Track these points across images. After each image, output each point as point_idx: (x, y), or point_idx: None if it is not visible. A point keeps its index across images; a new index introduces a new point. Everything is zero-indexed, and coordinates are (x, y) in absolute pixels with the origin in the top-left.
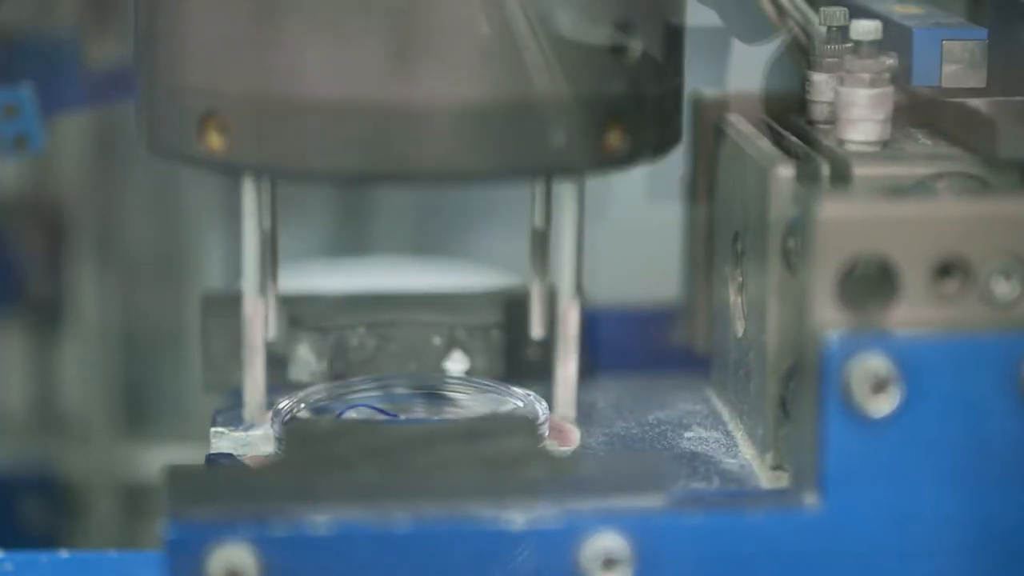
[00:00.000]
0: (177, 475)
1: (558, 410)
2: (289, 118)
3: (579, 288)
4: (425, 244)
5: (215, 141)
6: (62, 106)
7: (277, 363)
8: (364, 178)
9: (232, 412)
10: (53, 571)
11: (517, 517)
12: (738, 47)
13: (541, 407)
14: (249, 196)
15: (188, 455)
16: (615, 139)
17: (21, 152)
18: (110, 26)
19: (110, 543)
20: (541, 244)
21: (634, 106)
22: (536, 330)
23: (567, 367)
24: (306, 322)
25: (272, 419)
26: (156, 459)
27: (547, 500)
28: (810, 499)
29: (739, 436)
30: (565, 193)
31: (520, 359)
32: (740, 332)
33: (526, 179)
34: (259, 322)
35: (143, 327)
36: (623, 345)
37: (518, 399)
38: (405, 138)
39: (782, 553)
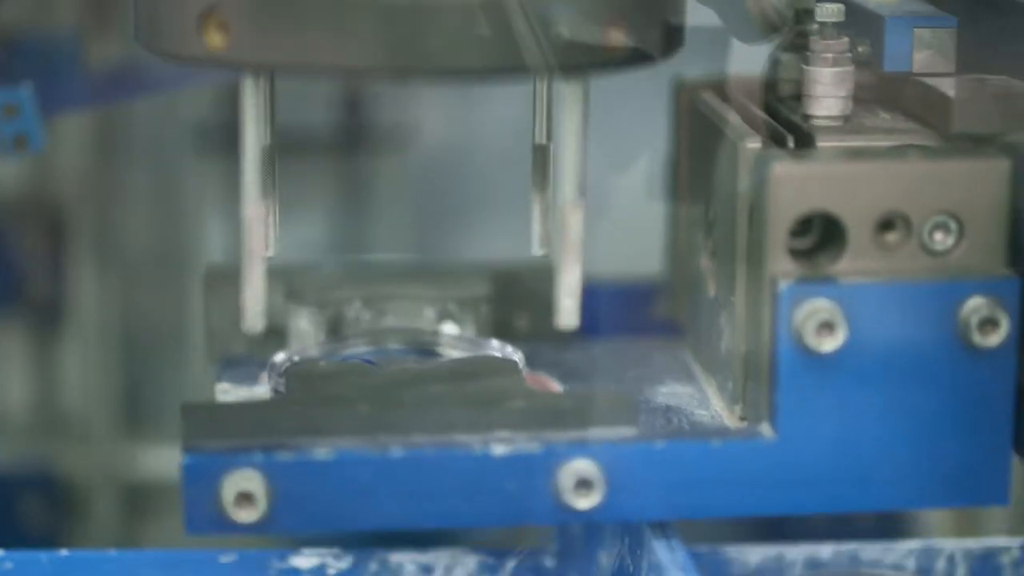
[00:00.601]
0: (191, 411)
1: (561, 319)
2: (290, 14)
3: (582, 194)
4: (424, 244)
5: (215, 39)
6: (62, 106)
7: (277, 335)
8: (365, 73)
9: (236, 370)
10: (53, 570)
11: (499, 446)
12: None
13: (518, 356)
14: (249, 99)
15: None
16: (617, 38)
17: (21, 152)
18: (110, 26)
19: (110, 542)
20: (542, 159)
21: (637, 5)
22: (536, 247)
23: (570, 274)
24: (305, 295)
25: (269, 373)
26: (156, 459)
27: (526, 431)
28: (765, 429)
29: (710, 391)
30: (568, 97)
31: (509, 330)
32: (712, 294)
33: (527, 77)
34: (259, 228)
35: (143, 327)
36: (609, 317)
37: (498, 351)
38: (409, 33)
39: (739, 478)
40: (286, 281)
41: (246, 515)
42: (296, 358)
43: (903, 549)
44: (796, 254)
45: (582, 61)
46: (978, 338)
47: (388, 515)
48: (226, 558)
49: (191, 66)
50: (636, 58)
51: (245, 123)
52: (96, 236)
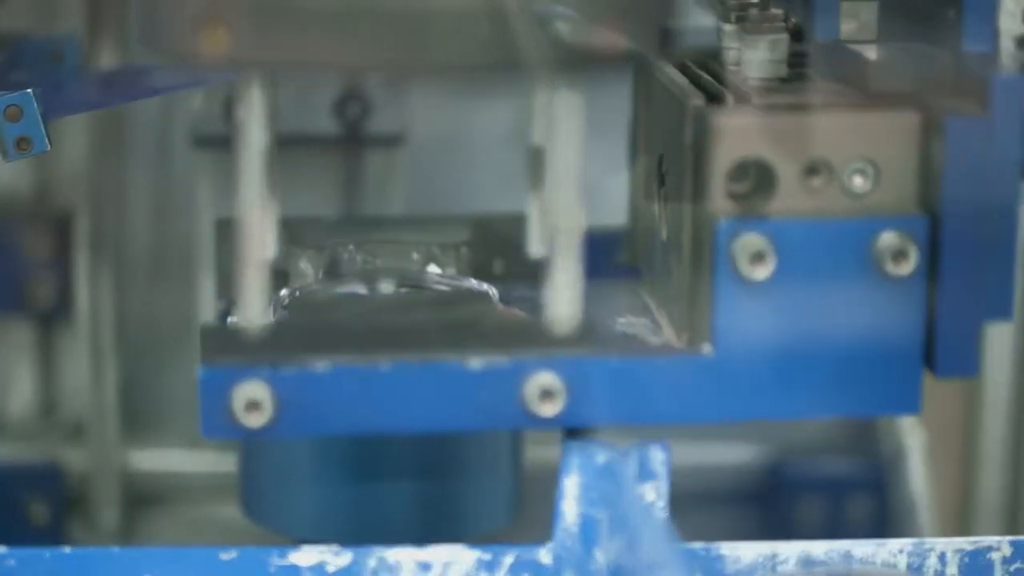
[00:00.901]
0: (208, 332)
1: (557, 317)
2: (291, 18)
3: (578, 196)
4: None
5: (216, 40)
6: (64, 109)
7: (279, 275)
8: (366, 73)
9: None
10: (56, 567)
11: (474, 361)
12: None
13: (493, 292)
14: (251, 100)
15: (194, 456)
16: (616, 40)
17: (23, 155)
18: (109, 31)
19: (111, 541)
20: (539, 160)
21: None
22: (535, 248)
23: (565, 274)
24: (304, 240)
25: (274, 306)
26: (158, 458)
27: (497, 349)
28: (705, 348)
29: (663, 322)
30: (566, 99)
31: (486, 272)
32: (664, 237)
33: (524, 77)
34: (259, 230)
35: (147, 327)
36: None
37: (475, 288)
38: (409, 33)
39: (682, 389)
40: (288, 228)
41: (254, 420)
42: (296, 293)
43: (895, 547)
44: (734, 196)
45: (582, 63)
46: (891, 268)
47: (377, 421)
48: (226, 555)
49: (193, 68)
50: (633, 58)
51: (245, 125)
52: (100, 236)
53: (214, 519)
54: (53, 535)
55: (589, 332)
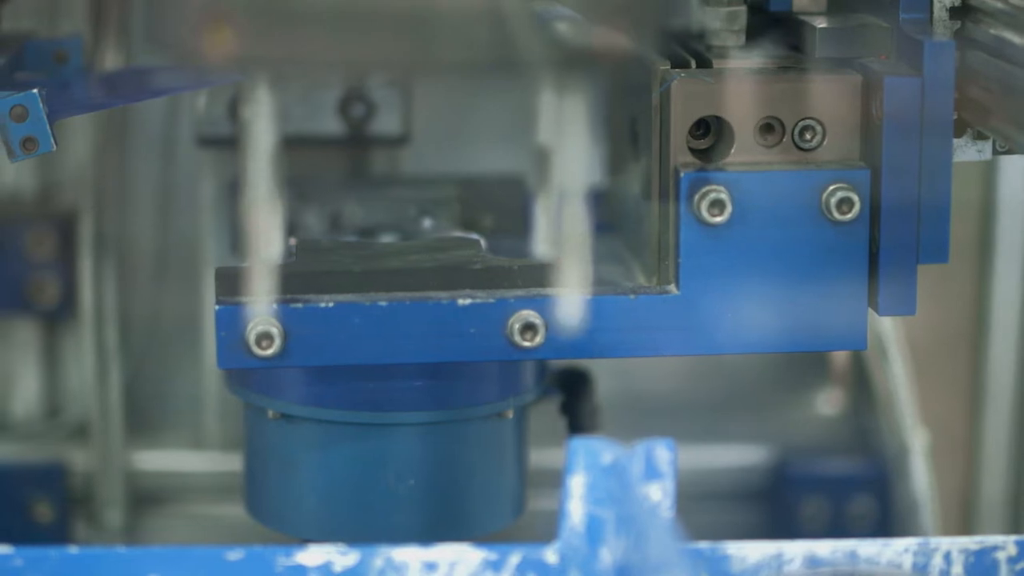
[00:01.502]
0: (222, 273)
1: (563, 314)
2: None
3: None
4: None
5: (222, 40)
6: (69, 109)
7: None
8: (373, 71)
9: None
10: (62, 567)
11: (463, 299)
12: None
13: (481, 241)
14: (258, 100)
15: (197, 455)
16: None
17: (29, 155)
18: (112, 32)
19: (116, 542)
20: (544, 158)
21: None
22: (539, 245)
23: (573, 271)
24: (310, 196)
25: (284, 255)
26: (162, 458)
27: (484, 288)
28: (671, 288)
29: (636, 269)
30: (571, 95)
31: (475, 227)
32: (636, 191)
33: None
34: (267, 231)
35: (151, 327)
36: None
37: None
38: (415, 31)
39: (650, 325)
40: (296, 186)
41: (265, 351)
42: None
43: (900, 546)
44: (696, 152)
45: (587, 60)
46: (837, 215)
47: (375, 352)
48: (233, 555)
49: (198, 67)
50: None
51: (253, 124)
52: (104, 236)
53: (217, 519)
54: (57, 534)
55: (564, 268)
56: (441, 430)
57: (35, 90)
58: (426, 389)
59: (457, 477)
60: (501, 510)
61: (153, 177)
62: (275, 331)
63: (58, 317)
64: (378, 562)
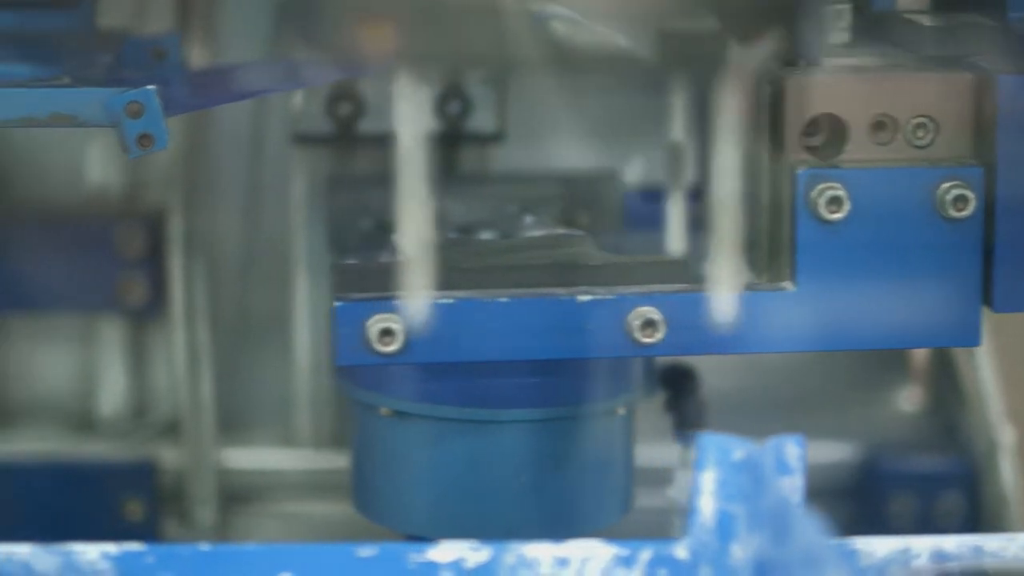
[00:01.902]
0: (340, 268)
1: (717, 313)
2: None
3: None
4: None
5: (380, 36)
6: (179, 106)
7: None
8: (520, 66)
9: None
10: (195, 564)
11: (583, 295)
12: None
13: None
14: (406, 96)
15: (287, 453)
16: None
17: (145, 151)
18: (199, 29)
19: (207, 540)
20: (677, 156)
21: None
22: (674, 244)
23: (724, 269)
24: None
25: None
26: (254, 457)
27: (602, 284)
28: (787, 284)
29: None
30: (729, 94)
31: (572, 221)
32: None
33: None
34: (421, 224)
35: (242, 323)
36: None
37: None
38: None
39: (766, 322)
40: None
41: (387, 347)
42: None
43: None
44: (809, 149)
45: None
46: (952, 212)
47: (495, 349)
48: (365, 551)
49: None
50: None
51: (405, 120)
52: (194, 234)
53: (308, 516)
54: (148, 533)
55: (684, 268)
56: (554, 427)
57: (151, 86)
58: (540, 386)
59: (569, 474)
60: (610, 507)
61: (241, 174)
62: (397, 328)
63: (146, 316)
64: (509, 558)
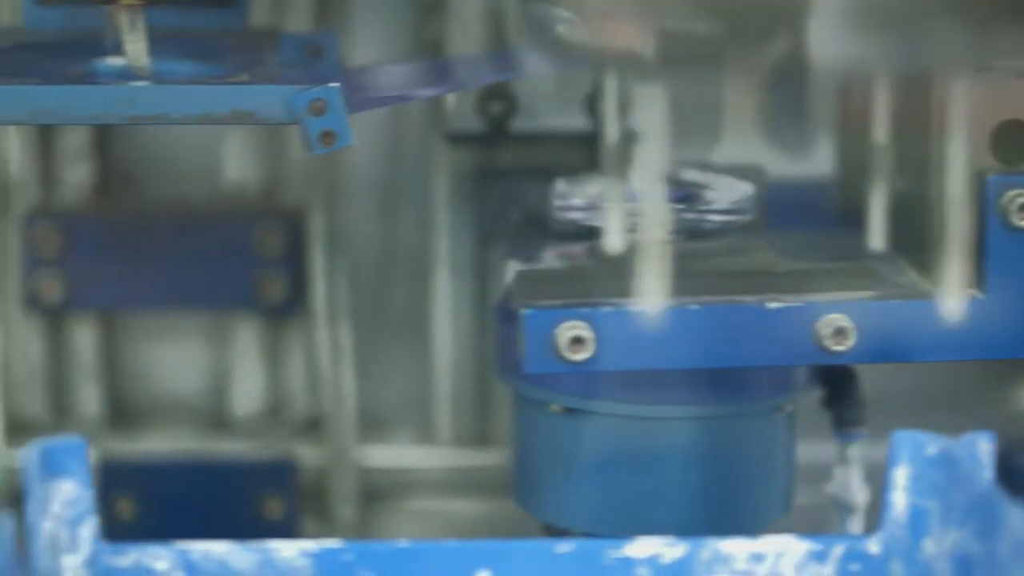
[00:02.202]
0: (521, 275)
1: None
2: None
3: None
4: None
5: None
6: (360, 104)
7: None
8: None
9: (519, 251)
10: (393, 561)
11: (772, 302)
12: None
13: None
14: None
15: (426, 451)
16: None
17: (327, 148)
18: (336, 27)
19: (348, 537)
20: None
21: None
22: (875, 241)
23: None
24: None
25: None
26: (393, 455)
27: (789, 292)
28: (974, 291)
29: (906, 267)
30: None
31: None
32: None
33: None
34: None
35: (380, 322)
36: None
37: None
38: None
39: (955, 329)
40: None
41: (577, 355)
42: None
43: None
44: (998, 155)
45: None
46: None
47: (684, 356)
48: (562, 548)
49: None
50: None
51: (647, 119)
52: (334, 233)
53: (449, 514)
54: (287, 531)
55: (870, 275)
56: (722, 424)
57: (334, 83)
58: (708, 383)
59: (734, 471)
60: (773, 505)
61: (380, 171)
62: (587, 335)
63: (283, 314)
64: (705, 554)
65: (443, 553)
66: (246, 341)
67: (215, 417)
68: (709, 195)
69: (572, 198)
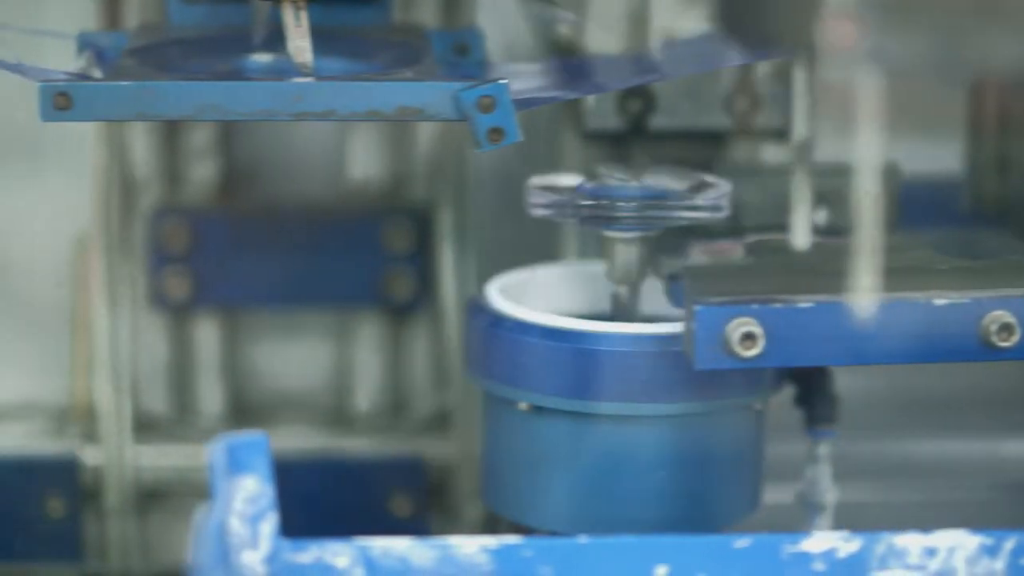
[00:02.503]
0: (695, 272)
1: None
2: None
3: None
4: None
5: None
6: (527, 102)
7: None
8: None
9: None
10: (571, 556)
11: (938, 299)
12: None
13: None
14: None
15: None
16: None
17: (495, 145)
18: (459, 24)
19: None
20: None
21: None
22: None
23: None
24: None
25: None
26: None
27: (954, 288)
28: None
29: None
30: None
31: None
32: None
33: None
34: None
35: None
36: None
37: None
38: None
39: None
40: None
41: (748, 351)
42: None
43: None
44: None
45: None
46: None
47: (851, 353)
48: (740, 543)
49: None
50: None
51: (866, 118)
52: (463, 229)
53: None
54: (416, 528)
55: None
56: (693, 422)
57: (503, 80)
58: (678, 381)
59: (704, 469)
60: (743, 503)
61: (508, 167)
62: (758, 332)
63: (408, 310)
64: (880, 548)
65: (621, 548)
66: (370, 338)
67: (338, 414)
68: (684, 192)
69: (542, 194)
